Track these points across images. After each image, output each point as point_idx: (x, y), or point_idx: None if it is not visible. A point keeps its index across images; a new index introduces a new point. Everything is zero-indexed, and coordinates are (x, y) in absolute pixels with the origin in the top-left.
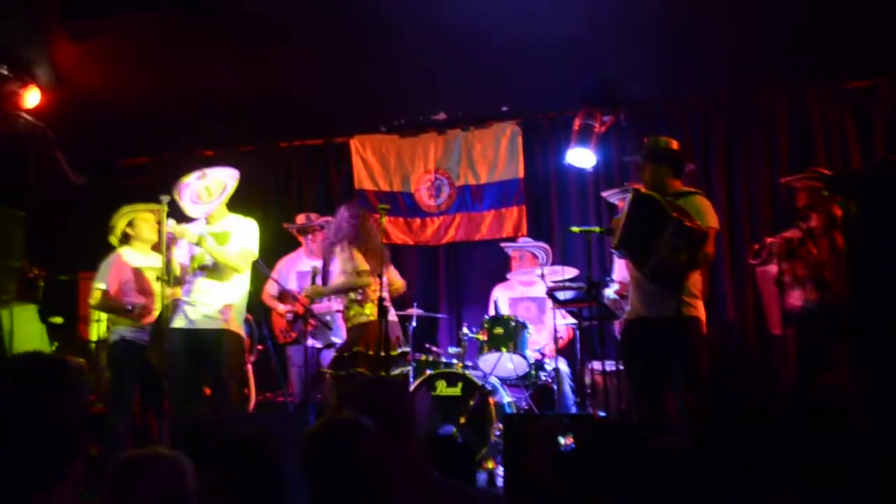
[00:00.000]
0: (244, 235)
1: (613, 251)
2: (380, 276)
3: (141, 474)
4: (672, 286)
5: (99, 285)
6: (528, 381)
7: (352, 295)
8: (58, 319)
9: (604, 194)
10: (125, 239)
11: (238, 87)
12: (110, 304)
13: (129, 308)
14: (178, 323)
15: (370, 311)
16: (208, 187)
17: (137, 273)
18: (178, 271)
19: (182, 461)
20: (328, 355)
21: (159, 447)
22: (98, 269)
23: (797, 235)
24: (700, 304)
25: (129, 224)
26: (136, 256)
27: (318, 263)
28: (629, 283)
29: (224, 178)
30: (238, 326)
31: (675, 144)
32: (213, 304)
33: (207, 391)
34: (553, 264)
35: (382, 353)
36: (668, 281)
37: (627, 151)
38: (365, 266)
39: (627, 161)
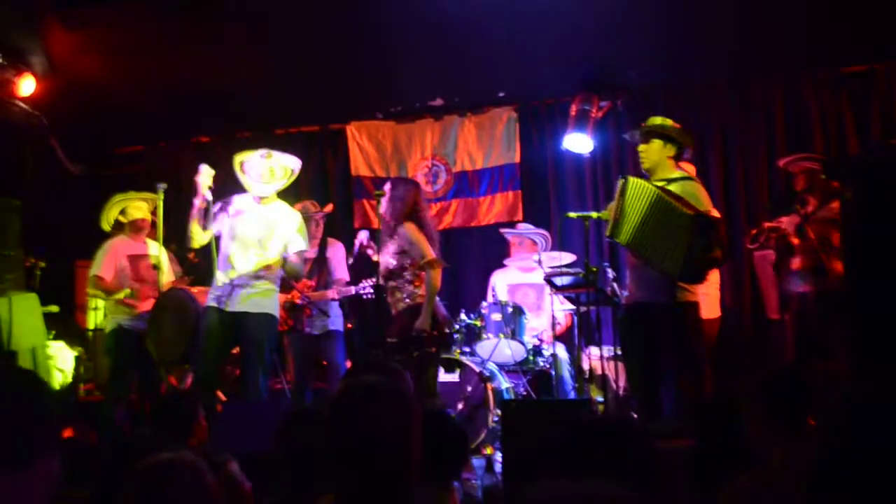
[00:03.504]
0: (292, 234)
1: (608, 239)
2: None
3: (166, 482)
4: (701, 280)
5: (94, 274)
6: (526, 367)
7: (406, 275)
8: (53, 308)
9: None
10: (118, 226)
11: (233, 74)
12: (107, 292)
13: (131, 291)
14: (213, 301)
15: (422, 290)
16: (272, 168)
17: (132, 260)
18: (198, 239)
19: (204, 467)
20: (328, 343)
21: (184, 453)
22: (93, 258)
23: (795, 221)
24: (697, 290)
25: (122, 212)
26: (131, 244)
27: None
28: (628, 268)
29: (291, 164)
30: (276, 310)
31: (679, 128)
32: (263, 288)
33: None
34: (550, 250)
35: (436, 333)
36: (700, 277)
37: (624, 138)
38: (431, 254)
39: (626, 137)
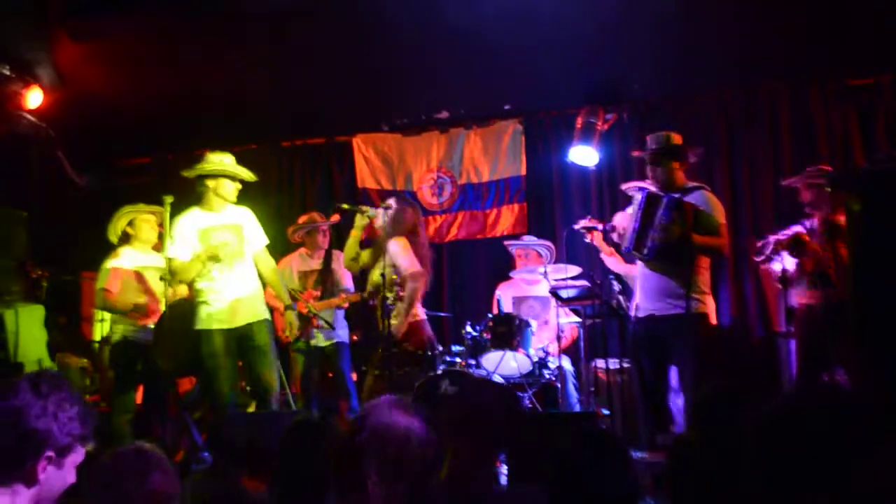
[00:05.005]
0: (257, 230)
1: (628, 252)
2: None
3: (133, 471)
4: (674, 263)
5: (101, 287)
6: (532, 380)
7: (397, 290)
8: (61, 319)
9: (623, 187)
10: (125, 238)
11: (239, 86)
12: (113, 305)
13: (134, 307)
14: (216, 323)
15: (417, 309)
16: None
17: (139, 273)
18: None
19: (164, 457)
20: (334, 355)
21: (146, 443)
22: (99, 271)
23: (802, 232)
24: (708, 300)
25: (130, 224)
26: (137, 256)
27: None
28: (635, 280)
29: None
30: (267, 312)
31: (678, 138)
32: (254, 293)
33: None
34: (556, 262)
35: (430, 353)
36: (667, 254)
37: (630, 149)
38: (415, 265)
39: (636, 156)
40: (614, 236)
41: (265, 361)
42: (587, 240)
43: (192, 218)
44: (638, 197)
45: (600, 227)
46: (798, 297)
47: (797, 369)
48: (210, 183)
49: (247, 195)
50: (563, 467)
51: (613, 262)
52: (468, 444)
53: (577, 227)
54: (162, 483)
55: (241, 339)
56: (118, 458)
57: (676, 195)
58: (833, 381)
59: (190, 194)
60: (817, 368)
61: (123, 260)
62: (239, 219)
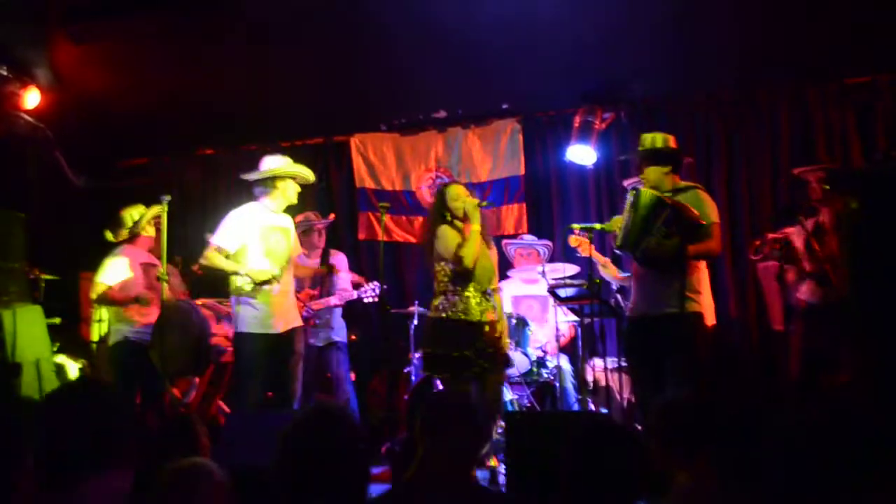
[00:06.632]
0: (296, 238)
1: (617, 251)
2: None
3: (192, 485)
4: (664, 270)
5: (103, 280)
6: (530, 379)
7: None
8: (55, 320)
9: (625, 183)
10: (131, 238)
11: (237, 87)
12: (112, 298)
13: (136, 298)
14: (260, 328)
15: None
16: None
17: (146, 268)
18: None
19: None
20: (331, 355)
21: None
22: (102, 265)
23: (801, 232)
24: (703, 300)
25: (137, 221)
26: (142, 253)
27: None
28: (631, 279)
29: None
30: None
31: (671, 140)
32: (291, 301)
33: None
34: (554, 261)
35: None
36: (659, 264)
37: (628, 148)
38: None
39: (623, 159)
40: (611, 236)
41: (297, 369)
42: (578, 254)
43: (252, 213)
44: (630, 195)
45: (587, 240)
46: (800, 293)
47: (797, 368)
48: (280, 184)
49: (246, 196)
50: (576, 456)
51: (609, 276)
52: (434, 444)
53: (570, 243)
54: (211, 499)
55: (281, 344)
56: (170, 474)
57: (677, 204)
58: (833, 381)
59: (188, 194)
60: (817, 367)
61: (129, 255)
62: (288, 223)
